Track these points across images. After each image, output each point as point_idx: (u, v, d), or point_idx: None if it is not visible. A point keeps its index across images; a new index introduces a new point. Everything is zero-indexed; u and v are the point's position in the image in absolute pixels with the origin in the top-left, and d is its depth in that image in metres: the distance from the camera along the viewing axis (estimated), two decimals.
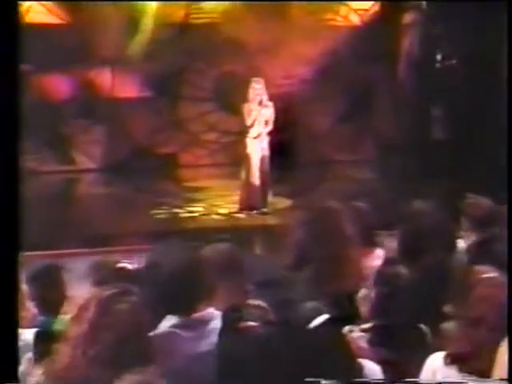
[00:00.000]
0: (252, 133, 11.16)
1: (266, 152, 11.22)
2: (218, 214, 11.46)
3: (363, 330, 3.53)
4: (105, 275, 3.76)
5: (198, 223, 11.02)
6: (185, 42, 14.49)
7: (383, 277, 3.79)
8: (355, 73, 15.00)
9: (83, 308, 2.65)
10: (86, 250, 8.84)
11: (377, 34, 14.78)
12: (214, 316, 3.42)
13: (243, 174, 11.25)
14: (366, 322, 3.70)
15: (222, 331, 3.30)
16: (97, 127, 14.57)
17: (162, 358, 2.90)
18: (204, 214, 11.49)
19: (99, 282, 3.63)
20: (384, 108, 15.26)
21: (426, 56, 15.06)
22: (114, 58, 14.34)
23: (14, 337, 2.97)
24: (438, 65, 15.01)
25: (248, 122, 11.11)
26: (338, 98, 15.22)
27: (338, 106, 15.31)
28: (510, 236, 4.18)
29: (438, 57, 14.96)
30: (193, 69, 14.89)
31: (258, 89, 11.15)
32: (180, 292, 3.37)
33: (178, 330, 3.36)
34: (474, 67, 14.02)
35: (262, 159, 11.20)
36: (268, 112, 11.16)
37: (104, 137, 14.58)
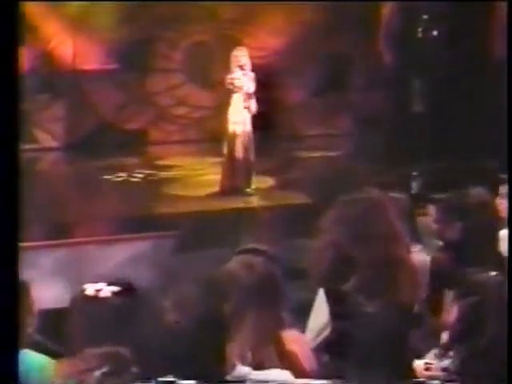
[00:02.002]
0: (234, 106, 10.28)
1: (249, 126, 10.37)
2: (197, 196, 10.59)
3: (444, 370, 2.56)
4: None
5: (175, 207, 10.18)
6: (153, 9, 13.59)
7: (470, 286, 2.82)
8: (332, 44, 14.33)
9: None
10: (52, 242, 7.99)
11: (354, 5, 14.01)
12: (245, 375, 2.37)
13: (225, 151, 10.40)
14: (443, 352, 2.78)
15: None
16: (58, 102, 13.78)
17: None
18: (181, 196, 10.63)
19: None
20: (362, 80, 14.61)
21: (406, 27, 14.36)
22: (75, 26, 13.48)
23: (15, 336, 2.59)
24: (419, 35, 14.54)
25: (230, 95, 10.25)
26: (314, 70, 14.52)
27: (314, 78, 14.61)
28: (510, 235, 3.87)
29: (419, 28, 14.42)
30: (162, 38, 14.07)
31: (240, 58, 10.28)
32: (188, 337, 2.24)
33: None
34: (457, 39, 13.47)
35: (245, 135, 10.35)
36: (251, 83, 10.30)
37: (66, 113, 13.79)
